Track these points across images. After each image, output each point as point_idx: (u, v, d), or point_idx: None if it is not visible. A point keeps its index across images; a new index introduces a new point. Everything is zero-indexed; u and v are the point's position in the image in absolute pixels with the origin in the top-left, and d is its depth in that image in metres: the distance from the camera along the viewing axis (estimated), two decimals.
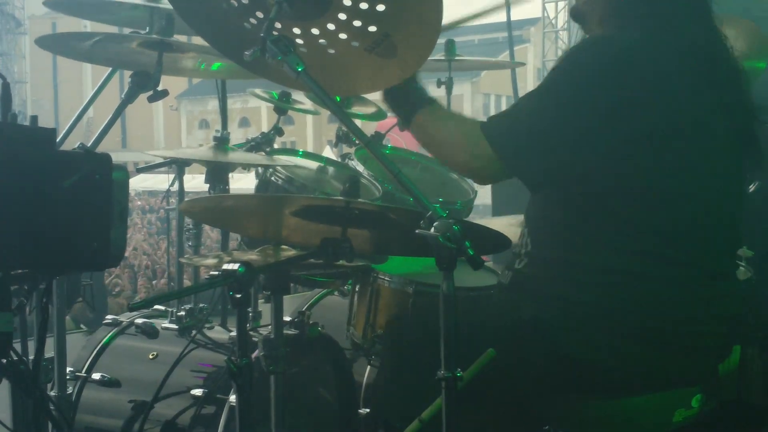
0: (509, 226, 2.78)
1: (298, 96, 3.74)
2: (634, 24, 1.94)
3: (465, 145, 1.95)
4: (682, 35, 1.91)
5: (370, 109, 4.08)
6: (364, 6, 1.74)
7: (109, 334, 2.86)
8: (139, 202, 21.70)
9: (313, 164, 3.26)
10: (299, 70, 1.69)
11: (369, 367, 2.79)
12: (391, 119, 4.25)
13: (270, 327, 2.08)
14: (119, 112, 2.39)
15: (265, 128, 3.72)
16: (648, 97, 1.83)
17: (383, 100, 2.12)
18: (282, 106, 3.67)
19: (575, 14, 2.13)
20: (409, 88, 2.04)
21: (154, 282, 11.84)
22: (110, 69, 2.88)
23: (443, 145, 2.04)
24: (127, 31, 2.71)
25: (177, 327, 2.82)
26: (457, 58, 4.06)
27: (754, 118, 1.99)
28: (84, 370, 2.76)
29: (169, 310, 2.87)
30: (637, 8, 1.95)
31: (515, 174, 1.88)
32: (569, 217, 1.93)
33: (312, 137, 37.57)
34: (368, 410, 2.69)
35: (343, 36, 1.84)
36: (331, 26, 1.82)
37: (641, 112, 1.82)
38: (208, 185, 2.96)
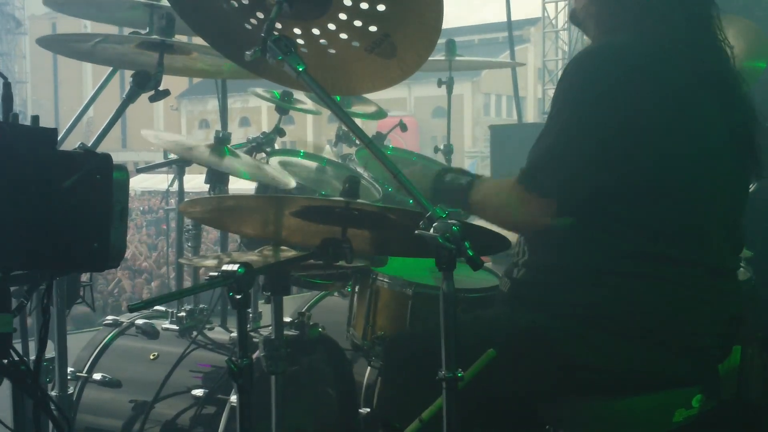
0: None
1: (299, 95, 3.75)
2: (628, 28, 1.94)
3: (519, 210, 1.93)
4: (678, 38, 1.91)
5: (371, 109, 4.08)
6: (364, 6, 1.74)
7: (110, 335, 2.87)
8: (137, 203, 21.70)
9: (314, 165, 3.26)
10: (300, 70, 1.69)
11: (369, 367, 2.79)
12: (392, 119, 4.26)
13: (270, 328, 2.08)
14: (120, 112, 2.39)
15: (265, 128, 3.72)
16: (646, 98, 1.84)
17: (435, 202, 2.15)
18: (283, 106, 3.67)
19: (573, 18, 2.14)
20: (446, 180, 2.11)
21: (151, 284, 11.86)
22: (111, 69, 2.89)
23: (503, 218, 2.02)
24: (127, 31, 2.71)
25: (177, 328, 2.82)
26: (457, 58, 4.06)
27: (753, 120, 1.99)
28: (85, 371, 2.76)
29: (170, 310, 2.88)
30: (631, 13, 1.95)
31: (571, 209, 1.89)
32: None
33: (312, 137, 37.56)
34: (368, 410, 2.69)
35: (343, 36, 1.84)
36: (331, 26, 1.82)
37: (644, 116, 1.83)
38: (208, 186, 2.96)
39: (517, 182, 1.92)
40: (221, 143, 2.85)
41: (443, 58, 4.04)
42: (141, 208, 21.29)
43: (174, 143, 3.06)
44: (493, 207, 2.04)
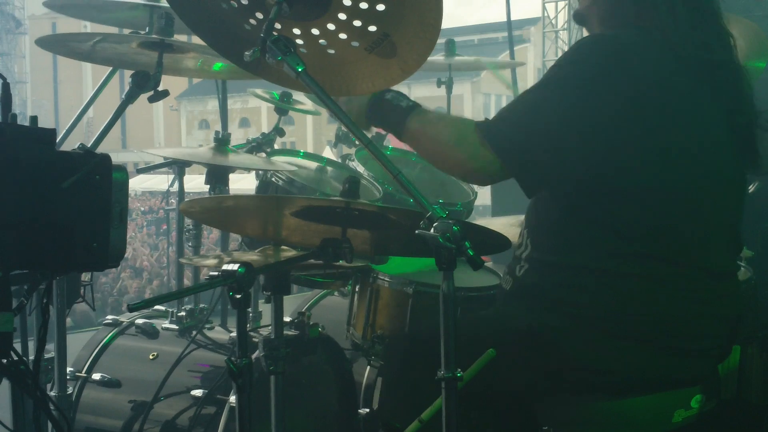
0: (509, 226, 2.79)
1: (299, 96, 3.75)
2: (631, 25, 1.94)
3: (461, 147, 1.91)
4: (681, 37, 1.90)
5: None
6: (364, 6, 1.74)
7: (110, 335, 2.86)
8: (138, 203, 21.70)
9: (314, 165, 3.26)
10: (299, 70, 1.68)
11: (369, 367, 2.79)
12: None
13: (270, 327, 2.08)
14: (119, 112, 2.39)
15: (265, 128, 3.73)
16: (648, 95, 1.83)
17: (369, 122, 2.08)
18: (283, 107, 3.68)
19: (578, 17, 2.13)
20: (385, 98, 2.02)
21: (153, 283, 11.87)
22: (110, 69, 2.89)
23: (438, 148, 1.99)
24: (127, 31, 2.71)
25: (177, 327, 2.82)
26: (457, 58, 4.06)
27: (753, 119, 1.98)
28: (84, 370, 2.76)
29: (170, 310, 2.88)
30: (633, 11, 1.95)
31: (513, 174, 1.87)
32: (568, 219, 1.93)
33: (312, 137, 37.56)
34: (368, 410, 2.69)
35: (343, 36, 1.84)
36: (331, 26, 1.82)
37: (642, 110, 1.82)
38: (208, 186, 2.96)
39: (476, 125, 1.88)
40: (221, 144, 2.85)
41: (443, 58, 4.04)
42: (141, 209, 21.29)
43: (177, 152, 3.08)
44: (433, 138, 1.98)
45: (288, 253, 2.33)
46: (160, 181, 18.51)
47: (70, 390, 2.63)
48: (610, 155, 1.83)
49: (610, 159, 1.83)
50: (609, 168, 1.84)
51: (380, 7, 1.74)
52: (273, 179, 2.89)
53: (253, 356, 1.91)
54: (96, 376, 2.74)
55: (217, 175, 2.96)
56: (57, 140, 1.51)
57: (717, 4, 1.97)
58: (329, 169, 3.26)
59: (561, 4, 18.12)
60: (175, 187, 3.29)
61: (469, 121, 1.93)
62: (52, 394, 2.54)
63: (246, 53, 1.72)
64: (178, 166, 3.16)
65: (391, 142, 3.94)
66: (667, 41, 1.88)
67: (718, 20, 1.96)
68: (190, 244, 3.12)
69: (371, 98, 2.03)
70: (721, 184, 1.93)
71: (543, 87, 1.90)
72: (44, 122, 1.52)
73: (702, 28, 1.92)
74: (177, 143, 41.75)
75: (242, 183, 9.25)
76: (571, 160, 1.84)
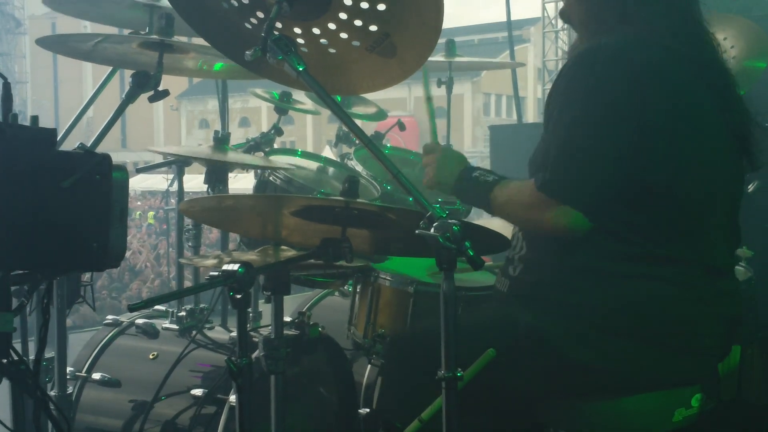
0: (509, 226, 2.79)
1: (299, 96, 3.75)
2: (614, 26, 1.93)
3: (544, 216, 1.88)
4: (675, 33, 1.90)
5: (371, 110, 4.08)
6: (364, 6, 1.74)
7: (110, 334, 2.86)
8: (138, 202, 21.71)
9: (313, 164, 3.27)
10: (300, 69, 1.69)
11: (369, 367, 2.79)
12: (391, 119, 4.26)
13: (270, 327, 2.08)
14: (119, 112, 2.39)
15: (265, 128, 3.73)
16: (650, 95, 1.83)
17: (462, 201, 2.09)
18: (283, 106, 3.68)
19: (563, 16, 2.13)
20: (470, 178, 2.04)
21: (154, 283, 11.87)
22: (111, 69, 2.89)
23: (524, 223, 2.01)
24: (127, 31, 2.71)
25: (177, 327, 2.82)
26: (457, 58, 4.06)
27: (747, 118, 1.98)
28: (84, 370, 2.76)
29: (170, 310, 2.87)
30: (618, 12, 1.94)
31: (591, 219, 1.86)
32: None
33: (312, 137, 37.57)
34: (368, 410, 2.68)
35: (343, 36, 1.84)
36: (331, 26, 1.82)
37: (643, 113, 1.82)
38: (207, 185, 2.96)
39: (536, 190, 1.88)
40: (220, 142, 2.85)
41: (443, 58, 4.04)
42: (141, 208, 21.29)
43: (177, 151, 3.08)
44: (515, 211, 2.00)
45: (288, 253, 2.33)
46: (160, 181, 18.50)
47: (70, 390, 2.63)
48: (625, 163, 1.83)
49: (624, 167, 1.84)
50: (622, 175, 1.85)
51: (381, 6, 1.74)
52: (271, 179, 2.89)
53: (253, 356, 1.91)
54: (96, 375, 2.73)
55: (217, 175, 2.96)
56: (57, 140, 1.51)
57: (697, 7, 1.97)
58: (328, 168, 3.27)
59: (561, 4, 18.11)
60: (175, 187, 3.29)
61: (531, 187, 1.90)
62: (52, 394, 2.54)
63: (247, 53, 1.72)
64: (178, 166, 3.16)
65: (391, 141, 3.94)
66: (665, 42, 1.88)
67: (699, 21, 1.97)
68: (189, 243, 3.12)
69: (460, 175, 2.06)
70: (718, 182, 1.94)
71: (577, 124, 1.86)
72: (44, 122, 1.52)
73: (686, 30, 1.93)
74: (177, 143, 41.71)
75: (241, 182, 9.24)
76: (607, 173, 1.85)
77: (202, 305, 2.94)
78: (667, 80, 1.85)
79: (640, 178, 1.84)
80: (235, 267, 1.67)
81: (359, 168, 3.12)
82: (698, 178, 1.88)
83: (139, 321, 2.87)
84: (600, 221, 1.87)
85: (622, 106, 1.82)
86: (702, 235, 1.91)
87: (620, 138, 1.82)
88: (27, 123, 1.48)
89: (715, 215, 1.94)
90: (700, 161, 1.88)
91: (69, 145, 1.87)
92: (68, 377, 2.61)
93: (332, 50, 1.89)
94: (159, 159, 3.16)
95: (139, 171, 3.62)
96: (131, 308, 1.70)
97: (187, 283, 3.47)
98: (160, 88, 2.46)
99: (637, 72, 1.83)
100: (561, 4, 8.73)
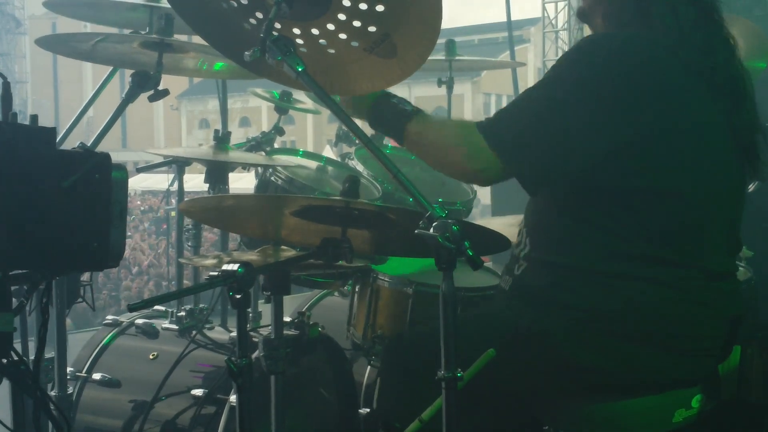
0: (509, 226, 2.78)
1: (299, 95, 3.75)
2: (632, 24, 1.94)
3: (461, 148, 1.90)
4: (683, 38, 1.89)
5: None
6: (363, 6, 1.74)
7: (110, 334, 2.86)
8: (138, 202, 21.71)
9: (313, 164, 3.26)
10: (299, 70, 1.69)
11: (369, 367, 2.79)
12: None
13: (270, 327, 2.08)
14: (119, 111, 2.39)
15: (265, 128, 3.73)
16: (648, 94, 1.83)
17: (370, 127, 2.08)
18: (283, 106, 3.68)
19: (581, 14, 2.12)
20: (388, 103, 2.01)
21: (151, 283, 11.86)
22: (111, 69, 2.89)
23: (438, 150, 1.98)
24: (127, 31, 2.71)
25: (177, 327, 2.82)
26: (457, 58, 4.06)
27: (755, 124, 1.97)
28: (84, 370, 2.76)
29: (170, 310, 2.87)
30: (636, 10, 1.94)
31: (515, 174, 1.86)
32: (568, 219, 1.93)
33: (312, 136, 37.57)
34: (368, 410, 2.68)
35: (342, 36, 1.84)
36: (330, 26, 1.82)
37: (642, 111, 1.82)
38: (207, 185, 2.96)
39: (476, 125, 1.87)
40: (221, 142, 2.85)
41: (443, 58, 4.04)
42: (141, 208, 21.30)
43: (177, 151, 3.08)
44: (434, 141, 1.98)
45: (288, 253, 2.33)
46: (160, 181, 18.52)
47: (70, 390, 2.63)
48: (610, 155, 1.83)
49: (609, 159, 1.83)
50: (609, 168, 1.84)
51: (380, 7, 1.74)
52: (272, 178, 2.89)
53: (253, 356, 1.91)
54: (96, 376, 2.73)
55: (217, 174, 2.96)
56: (57, 139, 1.51)
57: (718, 8, 1.96)
58: (329, 168, 3.26)
59: (561, 4, 18.11)
60: (175, 187, 3.29)
61: (469, 122, 1.92)
62: (52, 394, 2.54)
63: (246, 53, 1.72)
64: (178, 166, 3.16)
65: (391, 141, 3.94)
66: (669, 41, 1.88)
67: (719, 22, 1.96)
68: (189, 243, 3.11)
69: (374, 99, 2.03)
70: (720, 186, 1.93)
71: (543, 86, 1.89)
72: (44, 122, 1.52)
73: (704, 30, 1.92)
74: (177, 143, 41.72)
75: (242, 182, 9.23)
76: (571, 160, 1.83)
77: (201, 305, 2.94)
78: (661, 80, 1.84)
79: (635, 178, 1.83)
80: (235, 267, 1.67)
81: (360, 168, 3.12)
82: (697, 179, 1.87)
83: (139, 321, 2.87)
84: (583, 218, 1.87)
85: (609, 97, 1.80)
86: (702, 237, 1.90)
87: (593, 128, 1.80)
88: (27, 122, 1.48)
89: (716, 218, 1.93)
90: (699, 163, 1.87)
91: (69, 144, 1.87)
92: (68, 377, 2.61)
93: (331, 51, 1.89)
94: (159, 158, 3.16)
95: (139, 171, 3.62)
96: (131, 308, 1.70)
97: (187, 283, 3.47)
98: (160, 88, 2.46)
99: (631, 68, 1.82)
100: (561, 4, 8.72)
